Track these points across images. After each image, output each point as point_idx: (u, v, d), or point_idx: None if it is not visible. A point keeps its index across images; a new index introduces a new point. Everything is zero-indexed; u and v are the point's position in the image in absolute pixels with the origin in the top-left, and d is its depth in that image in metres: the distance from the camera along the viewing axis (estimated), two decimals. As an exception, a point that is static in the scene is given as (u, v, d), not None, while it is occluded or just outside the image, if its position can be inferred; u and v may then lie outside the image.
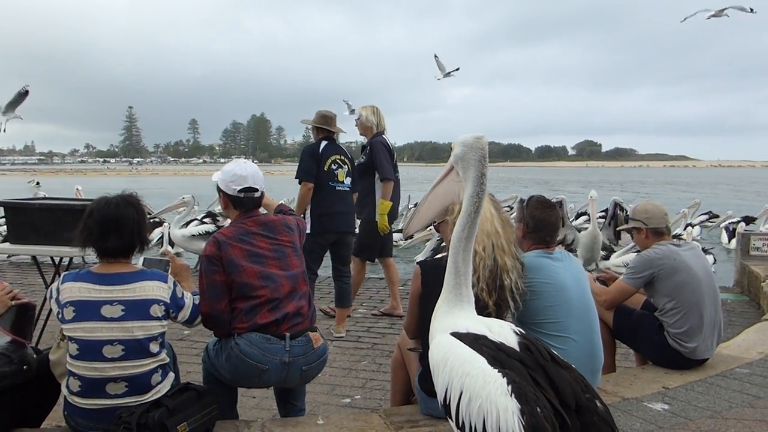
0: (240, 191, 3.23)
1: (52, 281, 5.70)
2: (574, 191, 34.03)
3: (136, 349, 2.68)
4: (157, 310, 2.74)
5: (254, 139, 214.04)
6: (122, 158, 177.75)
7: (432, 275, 2.82)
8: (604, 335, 3.60)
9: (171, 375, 2.89)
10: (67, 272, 2.79)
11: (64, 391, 2.78)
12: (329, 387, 4.37)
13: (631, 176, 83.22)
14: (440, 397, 2.00)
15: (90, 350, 2.64)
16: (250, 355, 3.01)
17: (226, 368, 3.09)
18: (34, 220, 5.17)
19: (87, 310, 2.66)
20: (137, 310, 2.70)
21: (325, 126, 5.89)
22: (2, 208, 6.49)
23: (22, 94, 9.56)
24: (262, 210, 3.45)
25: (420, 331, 3.01)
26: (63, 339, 2.74)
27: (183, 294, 2.90)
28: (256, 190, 3.27)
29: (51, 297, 2.76)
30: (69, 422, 2.80)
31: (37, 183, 12.85)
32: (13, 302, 2.94)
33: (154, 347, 2.74)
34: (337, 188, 5.78)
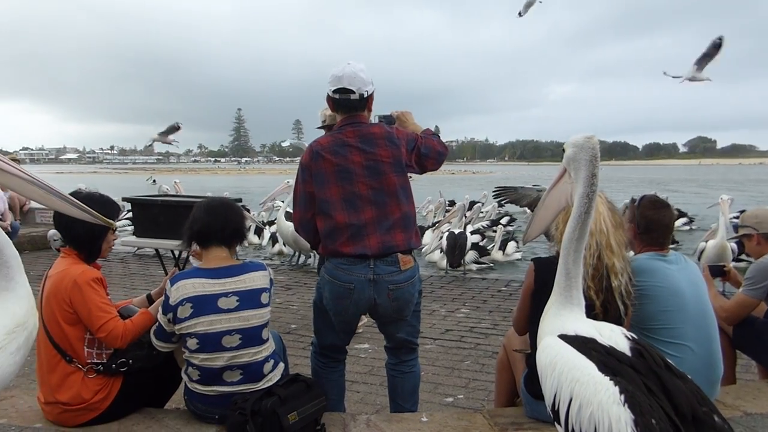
0: (335, 92, 3.14)
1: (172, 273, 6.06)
2: (686, 191, 32.29)
3: (252, 336, 2.83)
4: (264, 298, 2.90)
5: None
6: (231, 158, 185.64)
7: (545, 272, 2.78)
8: (724, 344, 3.39)
9: (281, 365, 3.02)
10: (177, 274, 2.97)
11: (184, 377, 2.96)
12: (432, 385, 4.39)
13: (749, 174, 77.89)
14: (548, 402, 1.98)
15: (210, 342, 2.80)
16: (337, 276, 3.07)
17: (326, 297, 3.14)
18: (156, 216, 5.52)
19: (205, 304, 2.81)
20: (250, 299, 2.84)
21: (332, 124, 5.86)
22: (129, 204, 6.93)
23: (175, 128, 10.51)
24: (378, 120, 3.33)
25: (529, 329, 2.98)
26: None
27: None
28: (352, 91, 3.09)
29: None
30: (189, 406, 2.99)
31: (154, 181, 13.67)
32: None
33: (264, 334, 2.90)
34: None
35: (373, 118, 3.34)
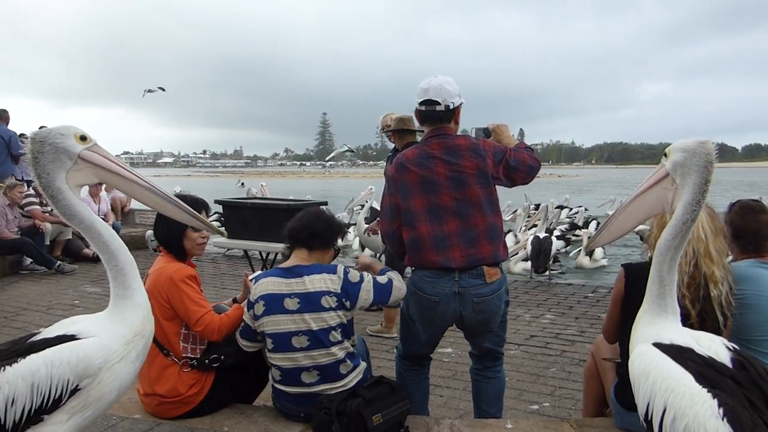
0: (421, 103, 3.15)
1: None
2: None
3: (317, 339, 2.86)
4: (326, 301, 2.88)
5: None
6: (316, 161, 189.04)
7: (637, 278, 2.67)
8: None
9: (362, 366, 3.04)
10: (258, 274, 3.07)
11: (270, 377, 3.06)
12: (516, 392, 4.32)
13: None
14: (641, 411, 1.91)
15: (282, 342, 2.89)
16: (422, 288, 3.06)
17: (412, 308, 3.15)
18: (246, 218, 5.71)
19: (274, 303, 2.90)
20: (309, 302, 2.87)
21: (405, 128, 5.77)
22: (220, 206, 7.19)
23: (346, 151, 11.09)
24: (467, 132, 3.30)
25: (619, 336, 2.88)
26: None
27: (361, 278, 2.98)
28: (438, 103, 3.09)
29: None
30: (275, 404, 3.08)
31: (242, 184, 14.13)
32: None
33: (333, 337, 2.89)
34: None
35: (471, 131, 3.33)
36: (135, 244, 10.60)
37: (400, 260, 3.30)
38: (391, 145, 6.00)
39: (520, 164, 3.13)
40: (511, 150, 3.16)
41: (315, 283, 2.90)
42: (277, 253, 5.99)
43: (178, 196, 3.10)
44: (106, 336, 2.01)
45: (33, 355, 1.90)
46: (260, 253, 6.44)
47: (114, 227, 10.00)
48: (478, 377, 3.33)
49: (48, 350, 1.91)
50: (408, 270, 3.46)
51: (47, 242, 8.93)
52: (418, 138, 5.85)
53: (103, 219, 9.97)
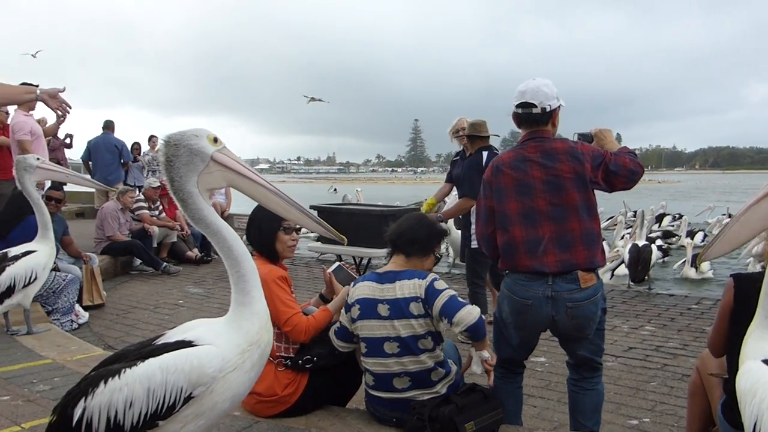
0: (517, 106, 3.11)
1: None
2: None
3: (407, 346, 2.87)
4: (414, 308, 2.87)
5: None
6: (408, 167, 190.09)
7: (747, 290, 2.52)
8: None
9: (454, 371, 3.03)
10: (358, 278, 3.12)
11: (363, 381, 3.10)
12: (614, 405, 4.18)
13: None
14: (748, 431, 1.82)
15: (374, 347, 2.92)
16: (515, 291, 3.03)
17: (505, 311, 3.12)
18: (341, 223, 5.82)
19: (368, 308, 2.93)
20: (398, 308, 2.88)
21: (478, 134, 5.66)
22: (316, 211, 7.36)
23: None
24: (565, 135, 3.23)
25: (727, 351, 2.74)
26: None
27: (445, 288, 2.93)
28: (534, 105, 3.05)
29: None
30: (368, 408, 3.12)
31: (335, 189, 14.38)
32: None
33: (422, 345, 2.88)
34: None
35: (572, 136, 3.27)
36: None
37: (494, 263, 3.29)
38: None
39: (620, 169, 3.02)
40: (611, 154, 3.06)
41: (404, 289, 2.91)
42: (370, 258, 6.07)
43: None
44: (222, 344, 1.99)
45: (151, 360, 1.93)
46: (354, 258, 6.56)
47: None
48: (575, 388, 3.24)
49: (165, 355, 1.93)
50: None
51: (155, 245, 9.42)
52: (492, 143, 5.84)
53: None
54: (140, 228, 9.24)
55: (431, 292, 2.88)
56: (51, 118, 7.79)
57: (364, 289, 2.99)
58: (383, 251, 5.56)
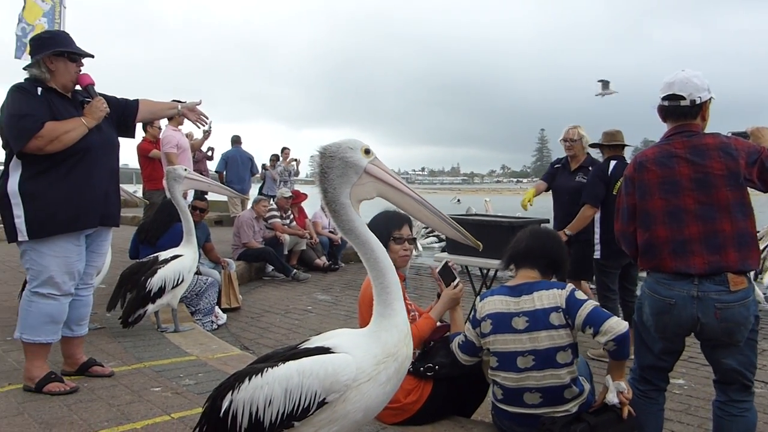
0: (664, 98, 2.98)
1: (480, 289, 6.32)
2: None
3: (544, 359, 2.80)
4: (555, 318, 2.81)
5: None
6: (533, 178, 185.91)
7: None
8: None
9: (587, 390, 2.94)
10: (484, 292, 3.09)
11: (490, 395, 3.07)
12: None
13: None
14: None
15: (507, 361, 2.87)
16: (657, 290, 2.88)
17: (645, 312, 2.97)
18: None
19: (501, 323, 2.89)
20: (539, 319, 2.82)
21: (608, 143, 5.42)
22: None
23: None
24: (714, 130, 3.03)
25: None
26: None
27: (587, 299, 2.87)
28: (682, 97, 2.91)
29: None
30: (495, 421, 3.09)
31: (458, 200, 14.37)
32: None
33: (561, 358, 2.81)
34: None
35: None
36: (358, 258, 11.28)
37: (633, 261, 3.15)
38: (554, 156, 5.90)
39: None
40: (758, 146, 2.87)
41: (543, 299, 2.86)
42: (497, 270, 6.02)
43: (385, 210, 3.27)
44: (358, 354, 2.00)
45: (290, 362, 2.01)
46: (480, 269, 6.53)
47: (342, 240, 10.78)
48: (720, 413, 2.95)
49: (304, 360, 2.00)
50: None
51: (285, 252, 9.85)
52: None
53: (332, 232, 10.83)
54: (273, 236, 9.68)
55: (573, 302, 2.82)
56: (197, 132, 8.39)
57: (495, 303, 2.96)
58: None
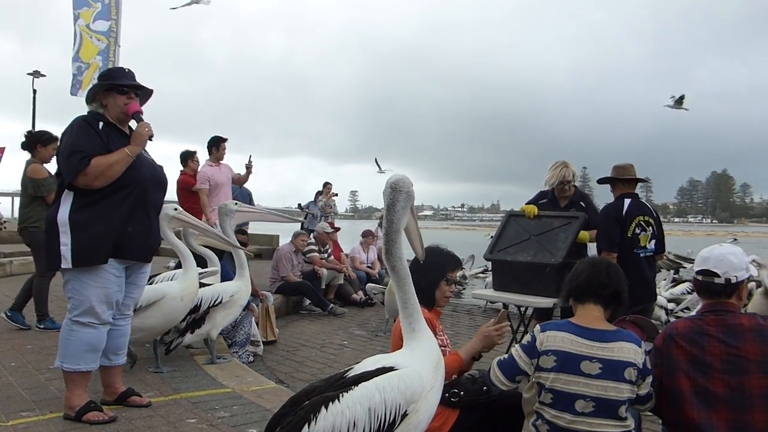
0: (698, 273, 2.91)
1: (517, 328, 6.23)
2: None
3: (605, 408, 2.70)
4: (631, 374, 2.71)
5: (714, 197, 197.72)
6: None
7: None
8: None
9: None
10: (546, 322, 3.01)
11: (530, 428, 2.96)
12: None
13: None
14: None
15: (564, 401, 2.75)
16: None
17: None
18: (511, 270, 5.80)
19: (568, 363, 2.76)
20: (613, 370, 2.70)
21: (623, 176, 5.13)
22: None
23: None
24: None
25: None
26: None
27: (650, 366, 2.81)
28: (717, 275, 2.84)
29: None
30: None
31: (491, 236, 14.38)
32: None
33: (622, 411, 2.72)
34: (641, 255, 4.99)
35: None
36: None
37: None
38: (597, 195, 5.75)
39: None
40: None
41: (624, 352, 2.75)
42: (534, 309, 5.93)
43: (430, 247, 3.25)
44: (418, 366, 2.18)
45: (364, 383, 2.08)
46: (518, 307, 6.44)
47: (379, 275, 10.80)
48: None
49: (376, 378, 2.10)
50: None
51: (323, 286, 9.90)
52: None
53: (369, 267, 10.86)
54: (311, 270, 9.76)
55: (646, 368, 2.77)
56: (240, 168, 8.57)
57: (564, 341, 2.81)
58: (550, 301, 5.41)
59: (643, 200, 5.35)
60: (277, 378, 5.71)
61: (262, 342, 6.85)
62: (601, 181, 5.40)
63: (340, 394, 2.03)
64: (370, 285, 10.00)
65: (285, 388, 5.03)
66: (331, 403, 2.01)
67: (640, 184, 5.46)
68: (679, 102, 23.50)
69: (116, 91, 3.70)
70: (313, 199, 14.45)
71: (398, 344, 3.13)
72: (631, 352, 2.73)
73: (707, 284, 2.87)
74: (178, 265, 6.98)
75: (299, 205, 14.57)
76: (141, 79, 3.86)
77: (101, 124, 3.63)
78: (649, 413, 2.99)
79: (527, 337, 2.97)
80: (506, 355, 2.99)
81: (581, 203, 5.89)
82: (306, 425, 2.00)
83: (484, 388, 3.08)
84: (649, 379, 2.78)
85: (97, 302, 3.56)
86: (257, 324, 6.75)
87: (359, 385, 2.06)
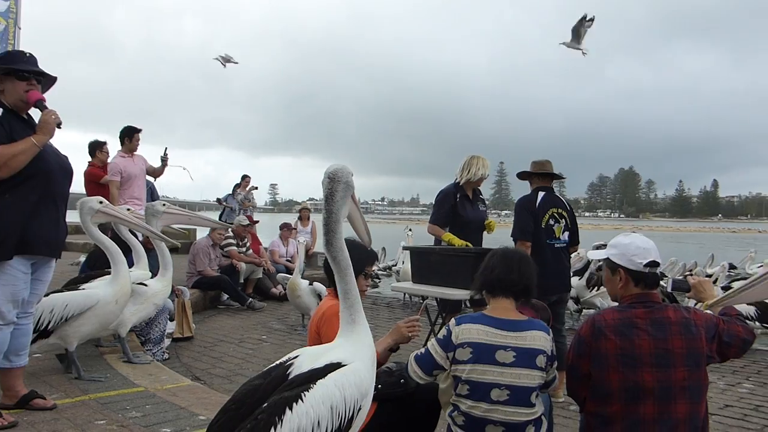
0: (646, 265, 2.87)
1: (435, 320, 6.32)
2: None
3: (519, 396, 2.78)
4: (541, 361, 2.82)
5: (621, 193, 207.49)
6: (492, 210, 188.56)
7: None
8: None
9: (544, 426, 2.94)
10: (461, 315, 3.05)
11: (447, 419, 3.01)
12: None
13: None
14: None
15: (479, 391, 2.81)
16: None
17: None
18: (433, 263, 5.86)
19: (484, 353, 2.82)
20: (526, 358, 2.80)
21: (539, 171, 5.36)
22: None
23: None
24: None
25: None
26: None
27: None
28: (658, 264, 2.88)
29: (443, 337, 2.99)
30: (449, 446, 3.03)
31: (410, 229, 14.61)
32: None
33: (533, 398, 2.81)
34: (555, 245, 5.24)
35: (667, 282, 3.09)
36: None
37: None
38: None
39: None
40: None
41: (536, 340, 2.83)
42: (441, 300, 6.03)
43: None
44: (363, 360, 2.23)
45: (322, 381, 2.06)
46: (436, 299, 6.53)
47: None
48: None
49: (331, 375, 2.09)
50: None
51: (241, 280, 9.73)
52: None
53: (289, 261, 10.75)
54: (229, 264, 9.57)
55: (553, 350, 2.88)
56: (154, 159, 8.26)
57: (478, 333, 2.86)
58: (467, 293, 5.49)
59: (557, 194, 5.54)
60: (193, 375, 5.57)
61: (179, 337, 6.68)
62: (520, 176, 5.58)
63: (302, 394, 1.99)
64: (280, 275, 9.83)
65: (201, 385, 4.92)
66: (294, 404, 1.97)
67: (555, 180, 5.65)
68: (576, 37, 16.49)
69: (15, 77, 3.48)
70: (231, 192, 14.14)
71: (315, 337, 3.14)
72: (542, 339, 2.84)
73: (654, 276, 2.88)
74: (87, 259, 6.72)
75: (218, 199, 14.25)
76: (44, 65, 3.65)
77: (0, 111, 3.40)
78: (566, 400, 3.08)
79: (443, 331, 3.02)
80: (423, 350, 3.02)
81: (480, 196, 6.21)
82: (272, 428, 1.93)
83: (401, 380, 3.11)
84: (555, 365, 2.89)
85: (2, 301, 3.35)
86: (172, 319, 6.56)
87: (317, 383, 2.04)
